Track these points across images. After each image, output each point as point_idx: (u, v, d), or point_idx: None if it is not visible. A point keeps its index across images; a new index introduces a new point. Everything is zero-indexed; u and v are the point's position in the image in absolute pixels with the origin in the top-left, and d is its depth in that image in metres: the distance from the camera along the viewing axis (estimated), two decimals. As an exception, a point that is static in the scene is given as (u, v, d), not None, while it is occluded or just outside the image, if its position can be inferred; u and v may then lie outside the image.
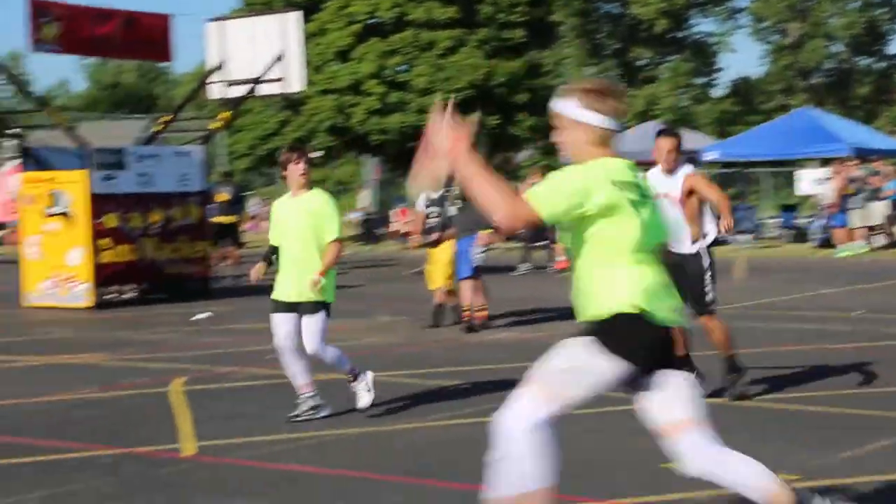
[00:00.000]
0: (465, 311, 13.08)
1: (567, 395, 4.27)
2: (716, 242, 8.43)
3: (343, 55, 32.98)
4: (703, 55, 55.42)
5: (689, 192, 8.16)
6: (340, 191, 53.40)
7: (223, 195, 20.52)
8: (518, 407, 4.29)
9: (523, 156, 56.70)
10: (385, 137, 32.34)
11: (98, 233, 16.25)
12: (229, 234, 20.64)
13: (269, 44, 18.82)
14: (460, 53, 32.29)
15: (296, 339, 7.98)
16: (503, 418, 4.31)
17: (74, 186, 16.29)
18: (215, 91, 19.71)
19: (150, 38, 18.66)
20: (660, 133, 8.39)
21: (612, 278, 4.29)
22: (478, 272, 13.13)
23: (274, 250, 8.17)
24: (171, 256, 17.22)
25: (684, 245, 8.13)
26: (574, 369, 4.26)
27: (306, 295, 7.90)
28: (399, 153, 34.62)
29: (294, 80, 18.91)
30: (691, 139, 31.26)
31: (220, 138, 44.64)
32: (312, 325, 7.93)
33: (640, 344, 4.25)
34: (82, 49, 18.67)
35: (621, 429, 7.46)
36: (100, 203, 16.44)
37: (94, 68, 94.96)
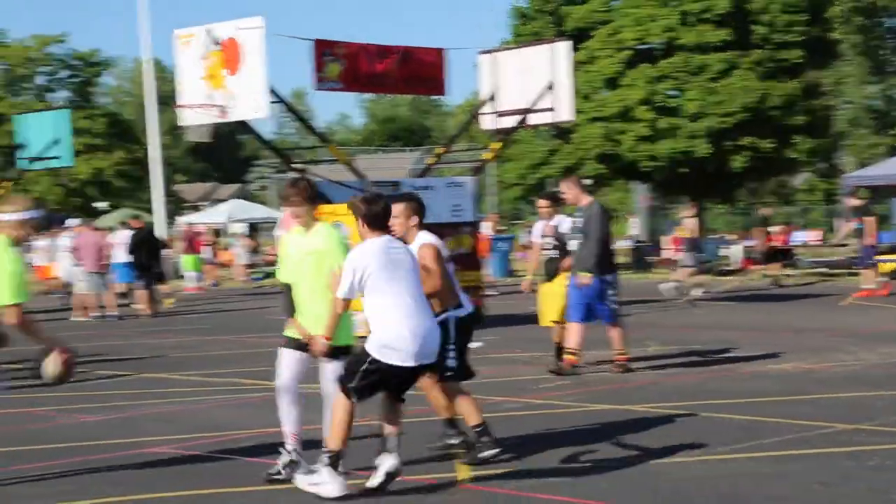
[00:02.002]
0: (571, 353, 11.85)
1: None
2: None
3: (612, 82, 32.84)
4: None
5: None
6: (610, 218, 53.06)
7: None
8: None
9: (800, 179, 54.74)
10: (655, 164, 31.94)
11: (375, 263, 16.69)
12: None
13: (538, 74, 18.95)
14: (733, 76, 31.53)
15: (298, 383, 7.38)
16: None
17: (353, 219, 16.82)
18: (487, 122, 20.02)
19: (425, 72, 19.07)
20: (393, 199, 7.70)
21: None
22: (615, 316, 11.91)
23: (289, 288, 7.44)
24: (445, 286, 17.53)
25: None
26: None
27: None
28: (668, 180, 34.09)
29: (564, 109, 18.95)
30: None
31: (490, 169, 45.37)
32: (333, 369, 7.18)
33: None
34: (362, 86, 19.29)
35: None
36: (376, 234, 16.93)
37: (371, 103, 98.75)
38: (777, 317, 18.21)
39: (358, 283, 6.87)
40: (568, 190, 12.08)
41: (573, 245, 12.00)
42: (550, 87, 18.78)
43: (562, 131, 32.09)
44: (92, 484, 7.45)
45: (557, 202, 12.58)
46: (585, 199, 11.99)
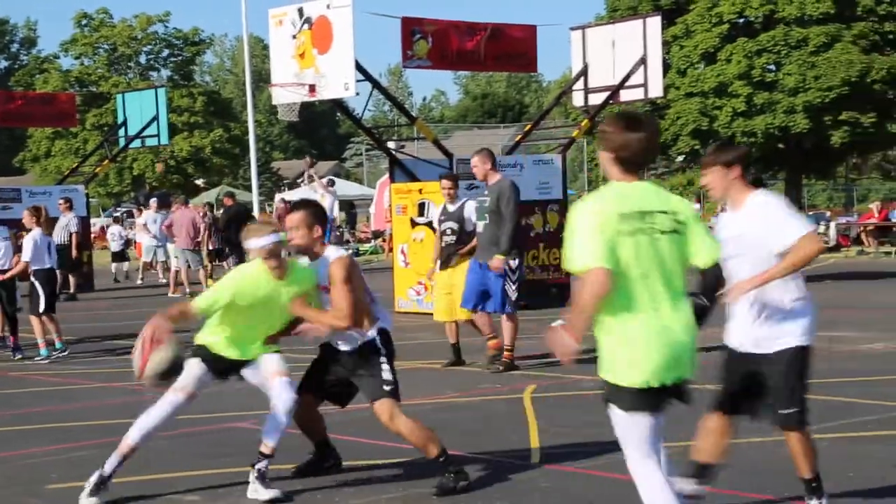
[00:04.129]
0: (508, 349, 11.17)
1: None
2: None
3: (709, 57, 32.32)
4: None
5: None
6: (705, 195, 52.39)
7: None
8: None
9: (905, 155, 53.38)
10: (751, 140, 31.41)
11: (462, 241, 16.70)
12: None
13: (629, 50, 18.74)
14: (834, 50, 30.74)
15: None
16: None
17: (440, 196, 16.85)
18: (578, 99, 19.88)
19: (515, 49, 18.96)
20: (293, 207, 6.86)
21: None
22: (512, 306, 11.08)
23: None
24: (530, 264, 17.49)
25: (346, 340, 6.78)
26: None
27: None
28: (765, 156, 33.49)
29: (654, 85, 18.73)
30: None
31: (585, 146, 45.03)
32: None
33: None
34: (450, 63, 19.25)
35: None
36: (464, 212, 16.93)
37: (466, 79, 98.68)
38: (872, 295, 17.82)
39: None
40: (479, 164, 11.18)
41: (479, 227, 11.16)
42: (642, 63, 18.57)
43: (656, 107, 31.72)
44: (167, 457, 7.60)
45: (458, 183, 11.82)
46: (494, 177, 11.21)
